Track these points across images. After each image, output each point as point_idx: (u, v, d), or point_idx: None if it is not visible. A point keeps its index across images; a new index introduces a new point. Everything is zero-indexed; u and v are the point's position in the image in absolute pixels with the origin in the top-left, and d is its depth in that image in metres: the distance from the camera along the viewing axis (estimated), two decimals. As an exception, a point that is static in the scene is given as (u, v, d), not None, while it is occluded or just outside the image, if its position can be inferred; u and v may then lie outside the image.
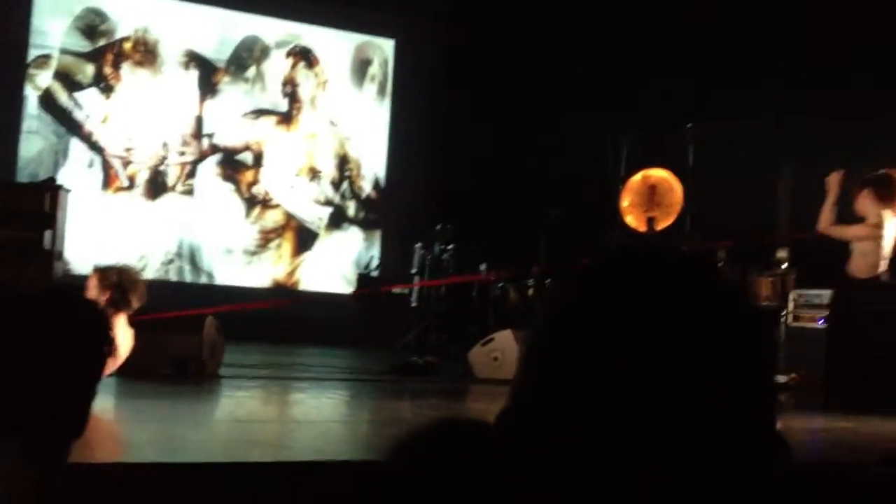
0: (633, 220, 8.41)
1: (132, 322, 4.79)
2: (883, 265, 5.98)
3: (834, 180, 6.07)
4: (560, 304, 0.77)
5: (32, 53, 9.56)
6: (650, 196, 8.35)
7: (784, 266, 7.79)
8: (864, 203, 5.90)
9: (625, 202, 8.49)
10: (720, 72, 8.75)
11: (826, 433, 4.89)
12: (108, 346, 1.58)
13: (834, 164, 6.34)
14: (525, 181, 9.44)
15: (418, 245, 9.49)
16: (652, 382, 0.69)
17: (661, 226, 8.24)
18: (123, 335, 4.63)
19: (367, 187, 10.98)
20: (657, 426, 0.69)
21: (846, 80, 8.27)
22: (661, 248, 0.78)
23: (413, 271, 9.60)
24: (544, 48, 9.51)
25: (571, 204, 8.93)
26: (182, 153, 10.13)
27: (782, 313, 7.70)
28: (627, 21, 9.37)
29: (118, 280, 4.62)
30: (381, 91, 11.12)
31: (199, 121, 10.22)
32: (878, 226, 5.91)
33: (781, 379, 7.29)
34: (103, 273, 4.63)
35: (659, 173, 8.40)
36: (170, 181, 10.05)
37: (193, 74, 10.21)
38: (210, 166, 10.24)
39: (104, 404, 4.68)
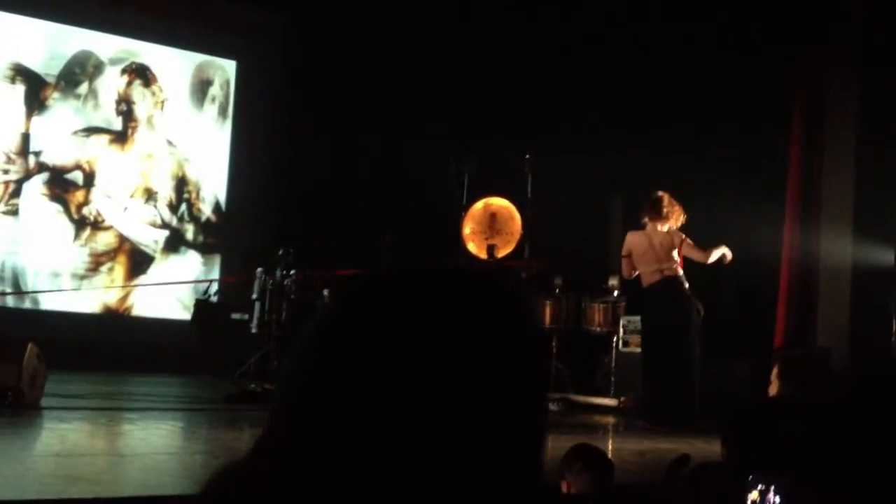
0: (475, 247, 8.58)
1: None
2: (654, 273, 6.54)
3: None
4: (319, 324, 0.75)
5: None
6: (491, 224, 8.55)
7: (615, 293, 8.13)
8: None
9: (466, 229, 8.65)
10: (556, 103, 9.07)
11: (651, 454, 5.11)
12: None
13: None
14: (368, 206, 9.45)
15: (259, 270, 9.30)
16: (411, 401, 0.68)
17: (501, 253, 8.45)
18: None
19: (206, 210, 10.69)
20: (416, 445, 0.68)
21: (668, 118, 8.76)
22: (434, 265, 0.77)
23: (254, 297, 9.38)
24: (388, 73, 9.58)
25: (415, 230, 9.00)
26: (6, 171, 9.56)
27: (614, 339, 8.01)
28: (471, 50, 9.57)
29: None
30: (223, 112, 10.89)
31: (26, 138, 9.69)
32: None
33: (612, 402, 7.58)
34: None
35: (499, 202, 8.61)
36: (-8, 200, 9.46)
37: (20, 89, 9.67)
38: (37, 185, 9.71)
39: None
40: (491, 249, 8.37)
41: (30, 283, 9.57)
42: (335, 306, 0.76)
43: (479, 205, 8.73)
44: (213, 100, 10.84)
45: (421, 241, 8.86)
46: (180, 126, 10.56)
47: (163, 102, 10.49)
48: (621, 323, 7.91)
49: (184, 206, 10.54)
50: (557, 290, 8.33)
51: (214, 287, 10.27)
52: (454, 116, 9.38)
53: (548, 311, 8.18)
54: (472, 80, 9.51)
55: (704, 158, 8.62)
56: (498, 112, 9.18)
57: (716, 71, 8.61)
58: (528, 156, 8.36)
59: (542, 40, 9.31)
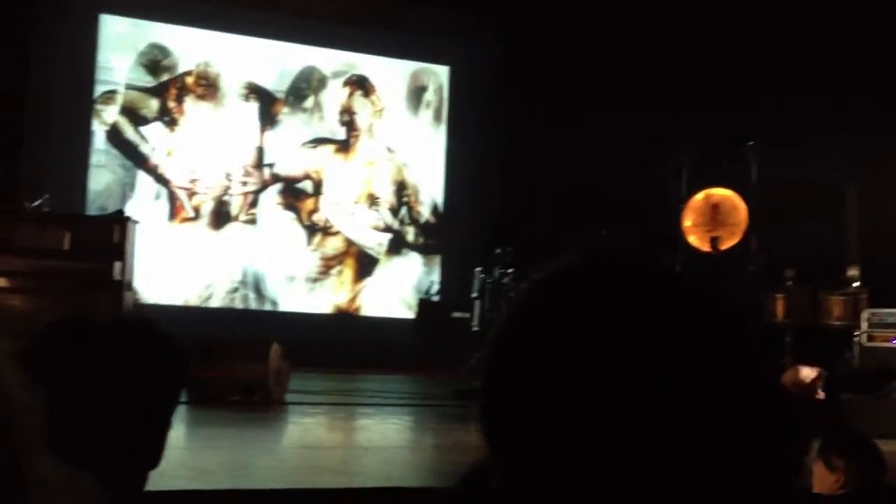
0: (696, 240, 8.30)
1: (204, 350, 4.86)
2: None
3: None
4: (516, 317, 0.72)
5: (99, 90, 9.82)
6: (713, 215, 8.24)
7: (855, 284, 7.60)
8: None
9: (687, 222, 8.39)
10: (781, 87, 8.61)
11: None
12: (183, 375, 1.59)
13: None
14: (584, 202, 9.37)
15: (478, 269, 9.46)
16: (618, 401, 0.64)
17: (725, 245, 8.13)
18: None
19: (425, 213, 11.02)
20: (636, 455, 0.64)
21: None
22: (630, 258, 0.72)
23: (473, 296, 9.56)
24: (600, 67, 9.46)
25: (633, 224, 8.83)
26: (244, 183, 10.29)
27: (855, 333, 7.50)
28: (684, 37, 9.28)
29: None
30: (437, 117, 11.19)
31: (260, 151, 10.39)
32: None
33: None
34: None
35: (722, 192, 8.29)
36: (233, 211, 10.21)
37: (254, 106, 10.39)
38: (271, 195, 10.39)
39: (175, 431, 4.74)
40: (714, 242, 8.07)
41: (269, 288, 10.25)
42: (526, 304, 0.73)
43: (699, 196, 8.44)
44: (428, 105, 11.16)
45: (639, 234, 8.69)
46: (398, 132, 10.95)
47: (381, 111, 10.92)
48: (864, 316, 7.38)
49: (404, 210, 10.92)
50: (790, 283, 7.90)
51: (436, 287, 10.58)
52: (670, 107, 9.13)
53: (780, 305, 7.78)
54: (690, 65, 9.21)
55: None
56: (717, 98, 8.83)
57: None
58: (751, 143, 7.99)
59: (762, 20, 8.87)
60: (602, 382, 0.65)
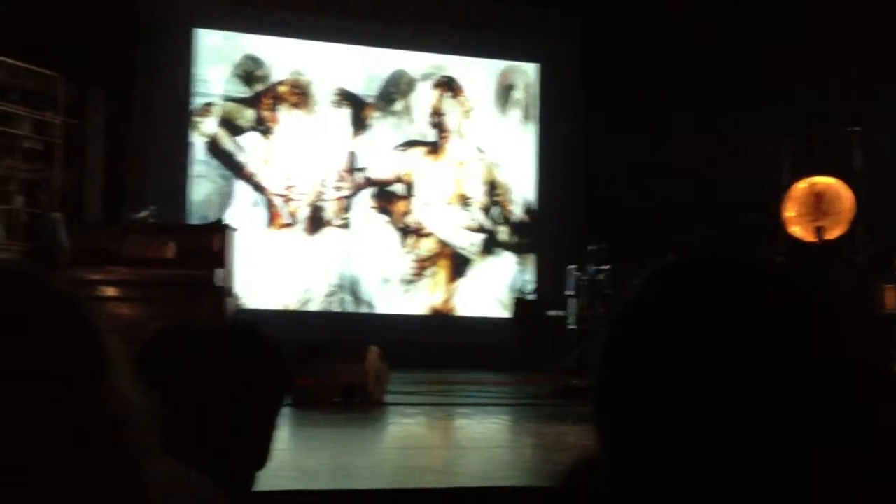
0: (800, 231, 8.06)
1: (305, 354, 4.96)
2: None
3: None
4: (627, 315, 0.71)
5: (197, 102, 10.13)
6: (817, 205, 7.98)
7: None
8: None
9: (789, 212, 8.15)
10: (885, 69, 8.27)
11: None
12: (287, 378, 1.61)
13: None
14: (679, 196, 9.20)
15: (572, 267, 9.39)
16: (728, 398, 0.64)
17: (830, 235, 7.86)
18: None
19: (517, 211, 10.99)
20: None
21: None
22: (736, 257, 0.72)
23: (569, 293, 9.49)
24: (692, 57, 9.27)
25: (728, 217, 8.62)
26: (338, 188, 10.46)
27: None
28: (780, 18, 9.01)
29: None
30: (526, 115, 11.14)
31: (353, 156, 10.54)
32: None
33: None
34: None
35: (825, 180, 8.02)
36: (328, 216, 10.39)
37: (345, 112, 10.54)
38: (365, 199, 10.52)
39: (279, 433, 4.85)
40: (819, 232, 7.81)
41: (364, 290, 10.38)
42: (636, 303, 0.72)
43: (801, 185, 8.18)
44: (517, 104, 11.13)
45: (737, 227, 8.48)
46: (488, 132, 10.95)
47: (470, 111, 10.94)
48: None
49: (496, 209, 10.92)
50: (899, 272, 7.59)
51: (531, 285, 10.54)
52: (767, 93, 8.87)
53: (890, 295, 7.48)
54: (786, 49, 8.93)
55: None
56: (817, 83, 8.54)
57: None
58: (856, 128, 7.71)
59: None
60: (717, 379, 0.65)
